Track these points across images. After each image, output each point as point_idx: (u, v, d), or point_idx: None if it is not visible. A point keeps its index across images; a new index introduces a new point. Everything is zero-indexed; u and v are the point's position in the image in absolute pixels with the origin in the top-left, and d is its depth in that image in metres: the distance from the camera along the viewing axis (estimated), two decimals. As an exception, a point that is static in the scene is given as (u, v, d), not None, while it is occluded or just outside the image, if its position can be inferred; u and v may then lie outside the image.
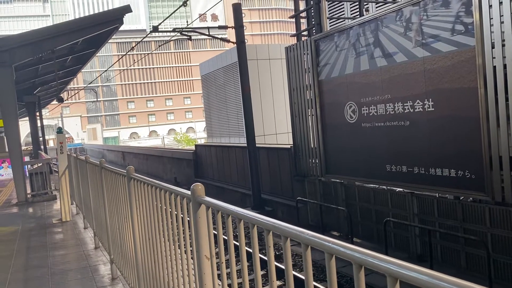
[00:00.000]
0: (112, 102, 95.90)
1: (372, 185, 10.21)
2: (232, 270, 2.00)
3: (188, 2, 15.00)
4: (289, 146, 13.68)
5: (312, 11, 12.27)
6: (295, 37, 13.62)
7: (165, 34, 72.89)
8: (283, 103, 19.93)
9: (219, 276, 2.24)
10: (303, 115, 12.25)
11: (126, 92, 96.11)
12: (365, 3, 12.94)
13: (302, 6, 13.91)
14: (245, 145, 15.27)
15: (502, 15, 6.77)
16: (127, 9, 13.28)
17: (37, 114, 24.62)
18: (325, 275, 8.84)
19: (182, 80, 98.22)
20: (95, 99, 63.17)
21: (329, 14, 14.92)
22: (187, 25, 18.03)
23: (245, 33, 15.22)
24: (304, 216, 12.60)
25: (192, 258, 2.45)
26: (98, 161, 5.20)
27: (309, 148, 12.08)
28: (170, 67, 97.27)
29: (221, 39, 16.02)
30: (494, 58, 6.96)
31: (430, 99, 8.04)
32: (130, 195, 3.60)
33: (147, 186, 3.17)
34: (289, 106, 13.07)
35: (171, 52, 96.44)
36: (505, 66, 6.83)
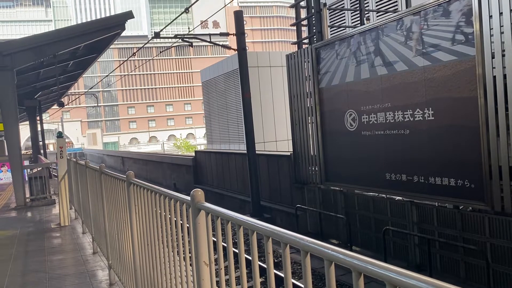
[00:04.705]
0: (112, 108, 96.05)
1: (371, 193, 10.19)
2: (231, 277, 2.00)
3: (190, 9, 15.07)
4: (289, 154, 13.68)
5: (313, 19, 12.33)
6: (296, 45, 13.67)
7: (166, 40, 73.21)
8: (283, 110, 19.97)
9: (217, 282, 2.23)
10: (303, 123, 12.26)
11: (127, 98, 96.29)
12: (366, 12, 13.01)
13: (303, 14, 13.98)
14: (245, 152, 15.27)
15: (502, 25, 6.80)
16: (129, 15, 13.35)
17: (38, 118, 24.64)
18: (324, 283, 8.79)
19: (183, 86, 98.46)
20: (96, 104, 63.29)
21: (330, 22, 15.00)
22: (189, 31, 18.11)
23: (246, 40, 15.29)
24: (303, 223, 12.57)
25: (190, 264, 2.44)
26: (98, 166, 5.20)
27: (309, 156, 12.08)
28: (171, 73, 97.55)
29: (222, 46, 16.08)
30: (494, 68, 6.99)
31: (430, 108, 8.05)
32: (130, 201, 3.59)
33: (146, 192, 3.17)
34: (289, 114, 13.09)
35: (172, 58, 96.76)
36: (505, 76, 6.85)
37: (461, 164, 7.64)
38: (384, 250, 9.35)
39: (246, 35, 15.37)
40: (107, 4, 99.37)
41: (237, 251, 6.15)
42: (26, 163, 18.53)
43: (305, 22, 13.59)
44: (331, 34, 14.12)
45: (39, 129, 25.05)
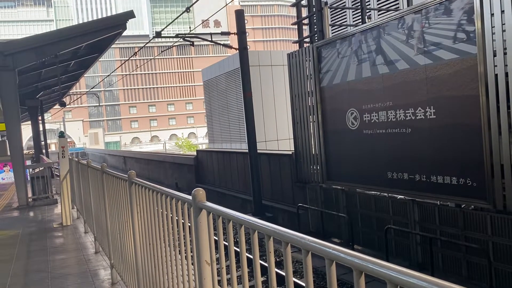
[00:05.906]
0: (114, 107, 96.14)
1: (373, 192, 10.19)
2: (232, 275, 2.00)
3: (191, 9, 15.07)
4: (290, 153, 13.68)
5: (315, 18, 12.32)
6: (297, 44, 13.65)
7: (167, 39, 73.20)
8: (284, 109, 19.96)
9: (219, 282, 2.24)
10: (304, 122, 12.26)
11: (128, 97, 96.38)
12: (367, 11, 12.99)
13: (304, 13, 13.96)
14: (247, 151, 15.28)
15: (504, 23, 6.78)
16: (130, 14, 13.35)
17: (39, 118, 24.68)
18: (325, 282, 8.79)
19: (184, 86, 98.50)
20: (97, 104, 63.35)
21: (331, 21, 14.98)
22: (190, 31, 18.11)
23: (247, 40, 15.28)
24: (305, 222, 12.57)
25: (192, 263, 2.45)
26: (100, 165, 5.21)
27: (311, 155, 12.08)
28: (172, 72, 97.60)
29: (224, 45, 16.07)
30: (496, 66, 6.97)
31: (432, 107, 8.04)
32: (131, 200, 3.60)
33: (148, 191, 3.17)
34: (290, 113, 13.09)
35: (173, 58, 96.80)
36: (506, 74, 6.84)
37: (462, 162, 7.63)
38: (386, 249, 9.35)
39: (247, 34, 15.36)
40: (108, 3, 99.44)
41: (238, 250, 6.16)
42: (28, 162, 18.57)
43: (306, 21, 13.57)
44: (332, 33, 14.12)
45: (41, 128, 25.09)
